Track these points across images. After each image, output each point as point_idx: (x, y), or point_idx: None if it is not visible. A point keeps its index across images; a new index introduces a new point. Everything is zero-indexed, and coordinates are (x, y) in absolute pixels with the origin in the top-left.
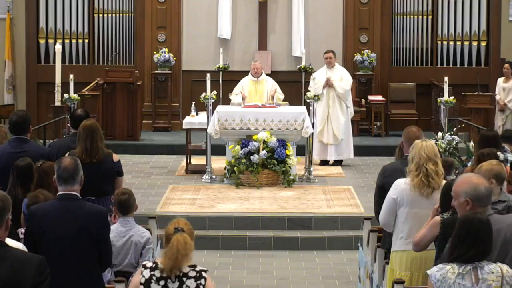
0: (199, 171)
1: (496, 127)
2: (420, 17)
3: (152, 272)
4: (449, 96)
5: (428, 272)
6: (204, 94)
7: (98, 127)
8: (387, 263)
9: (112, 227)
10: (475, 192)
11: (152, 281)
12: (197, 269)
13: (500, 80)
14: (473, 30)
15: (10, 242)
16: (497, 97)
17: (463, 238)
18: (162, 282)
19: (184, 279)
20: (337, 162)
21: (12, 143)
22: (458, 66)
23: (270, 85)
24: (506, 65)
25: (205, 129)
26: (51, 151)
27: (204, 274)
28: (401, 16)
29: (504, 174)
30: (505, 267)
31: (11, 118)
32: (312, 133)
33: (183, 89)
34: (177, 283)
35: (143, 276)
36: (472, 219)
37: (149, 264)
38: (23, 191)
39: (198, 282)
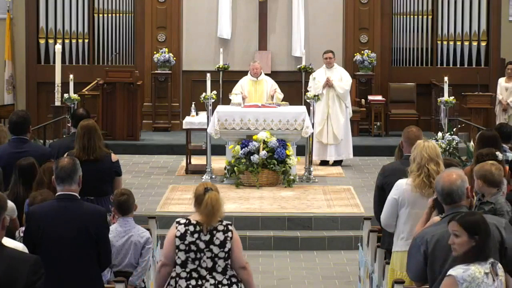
0: (199, 171)
1: None
2: (420, 17)
3: (186, 227)
4: (449, 96)
5: (453, 273)
6: (204, 94)
7: (96, 126)
8: (387, 263)
9: (111, 227)
10: (435, 187)
11: (187, 235)
12: (223, 223)
13: (502, 80)
14: (473, 30)
15: (9, 242)
16: (499, 97)
17: (489, 237)
18: (196, 235)
19: (214, 232)
20: (337, 162)
21: (12, 143)
22: (458, 66)
23: (269, 85)
24: (510, 66)
25: (205, 129)
26: (52, 151)
27: (230, 227)
28: (401, 16)
29: (494, 176)
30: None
31: (11, 118)
32: (312, 133)
33: (183, 89)
34: (208, 236)
35: (179, 231)
36: (485, 219)
37: (183, 221)
38: (24, 190)
39: (226, 235)
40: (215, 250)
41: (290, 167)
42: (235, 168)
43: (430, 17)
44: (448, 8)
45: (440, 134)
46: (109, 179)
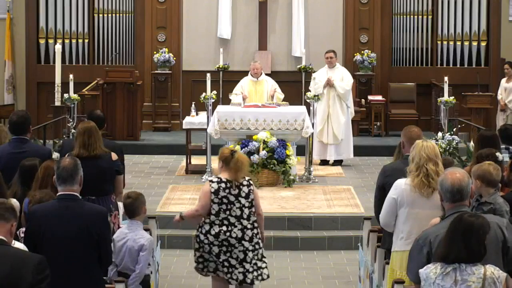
0: (199, 171)
1: (498, 127)
2: (420, 17)
3: (219, 184)
4: (449, 96)
5: (420, 270)
6: (204, 94)
7: (96, 127)
8: (387, 263)
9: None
10: (441, 186)
11: (220, 190)
12: (246, 179)
13: (503, 81)
14: (473, 30)
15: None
16: (499, 96)
17: (449, 238)
18: (227, 191)
19: (241, 187)
20: (337, 162)
21: (12, 144)
22: (458, 66)
23: (269, 85)
24: (506, 65)
25: (205, 129)
26: (63, 149)
27: (251, 182)
28: (401, 16)
29: (493, 176)
30: (490, 268)
31: (11, 118)
32: (312, 133)
33: (183, 89)
34: (237, 190)
35: (213, 187)
36: (462, 220)
37: (215, 179)
38: (22, 190)
39: (249, 188)
40: (243, 201)
41: (290, 167)
42: None
43: (430, 17)
44: (448, 8)
45: (440, 134)
46: (110, 178)
